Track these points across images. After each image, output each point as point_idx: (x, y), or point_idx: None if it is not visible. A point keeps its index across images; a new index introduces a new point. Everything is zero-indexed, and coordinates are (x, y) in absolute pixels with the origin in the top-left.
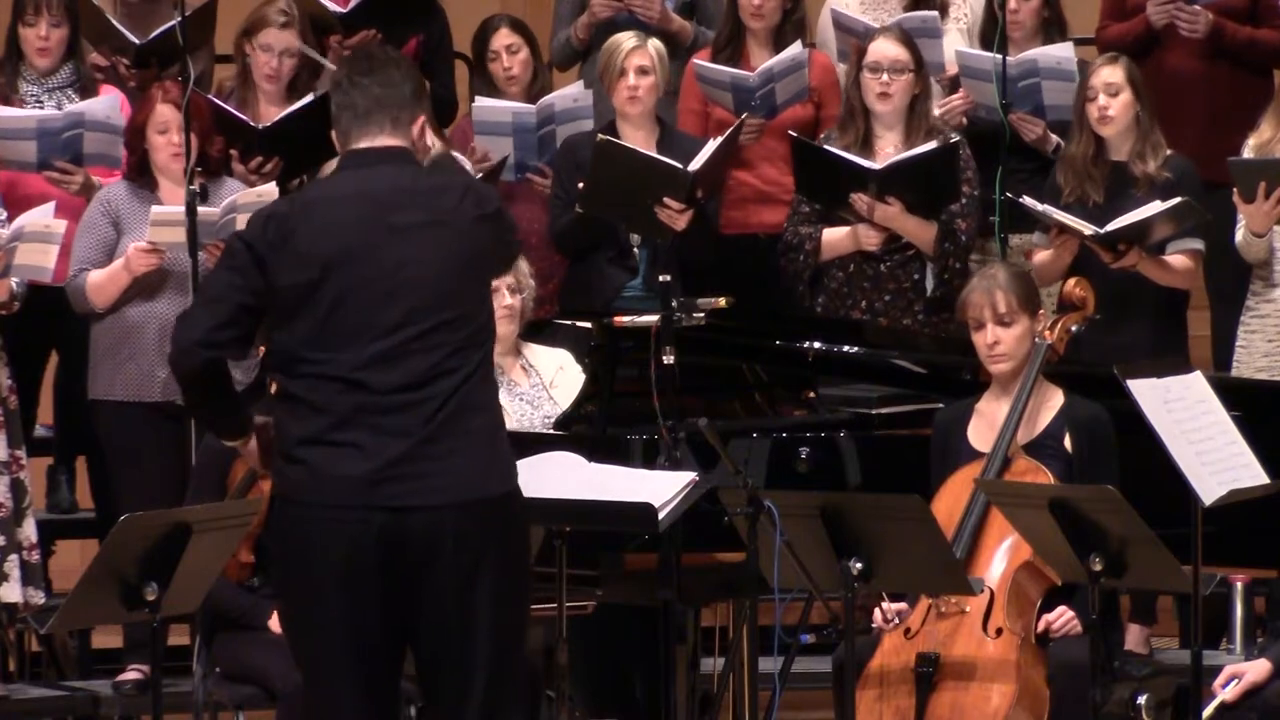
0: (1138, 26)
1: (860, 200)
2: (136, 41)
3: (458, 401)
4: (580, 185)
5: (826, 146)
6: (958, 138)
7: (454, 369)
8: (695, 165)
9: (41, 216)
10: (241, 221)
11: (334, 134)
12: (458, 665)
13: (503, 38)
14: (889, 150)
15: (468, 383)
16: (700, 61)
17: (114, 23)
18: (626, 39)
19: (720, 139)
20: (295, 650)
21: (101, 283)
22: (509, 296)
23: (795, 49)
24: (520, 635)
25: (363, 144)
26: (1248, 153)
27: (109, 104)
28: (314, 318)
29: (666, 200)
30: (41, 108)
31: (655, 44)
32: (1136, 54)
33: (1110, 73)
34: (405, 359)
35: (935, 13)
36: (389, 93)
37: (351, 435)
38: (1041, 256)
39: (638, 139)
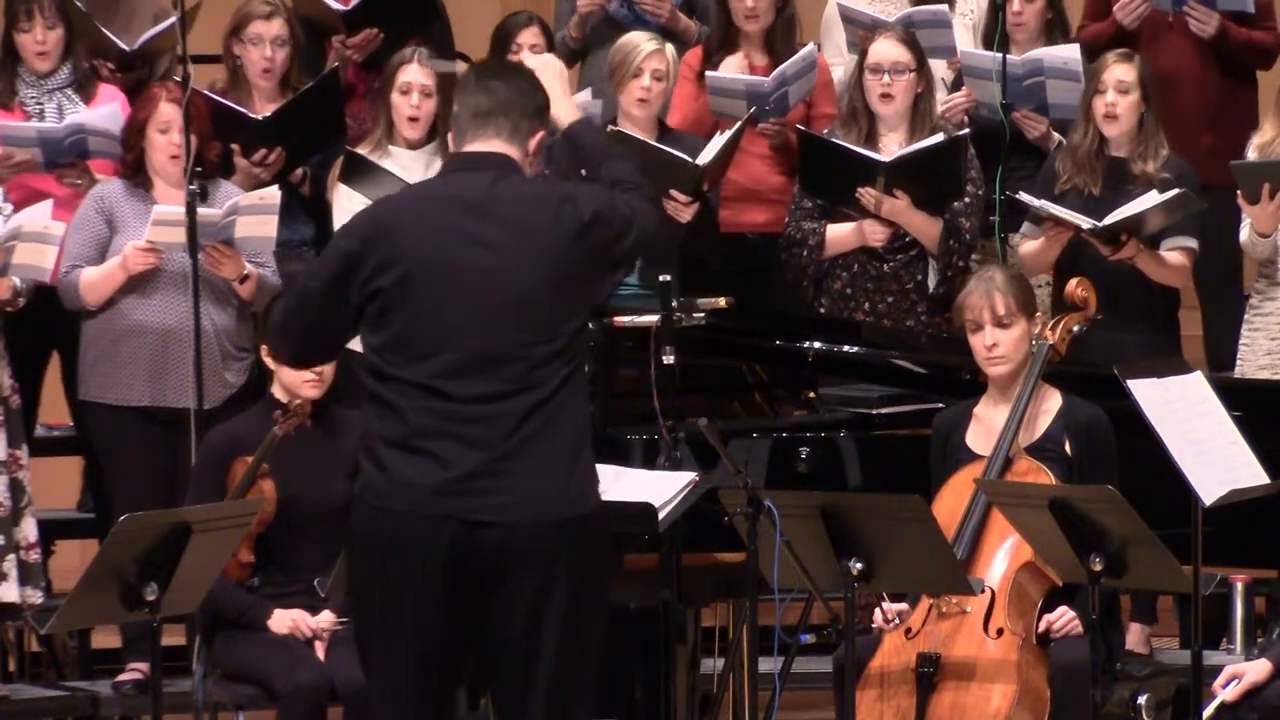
0: (1110, 28)
1: (868, 194)
2: (125, 48)
3: (541, 418)
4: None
5: (834, 140)
6: (966, 131)
7: (538, 383)
8: (704, 159)
9: (39, 217)
10: (243, 225)
11: (450, 134)
12: (521, 680)
13: (530, 35)
14: (893, 149)
15: (554, 399)
16: (713, 73)
17: (103, 30)
18: (645, 40)
19: (728, 133)
20: (360, 644)
21: (95, 281)
22: None
23: (807, 49)
24: (589, 655)
25: (475, 146)
26: (1251, 153)
27: (110, 114)
28: (398, 323)
29: (673, 192)
30: (42, 109)
31: (671, 50)
32: None
33: (1123, 70)
34: (486, 370)
35: (944, 5)
36: (514, 99)
37: (430, 444)
38: (1030, 246)
39: None
